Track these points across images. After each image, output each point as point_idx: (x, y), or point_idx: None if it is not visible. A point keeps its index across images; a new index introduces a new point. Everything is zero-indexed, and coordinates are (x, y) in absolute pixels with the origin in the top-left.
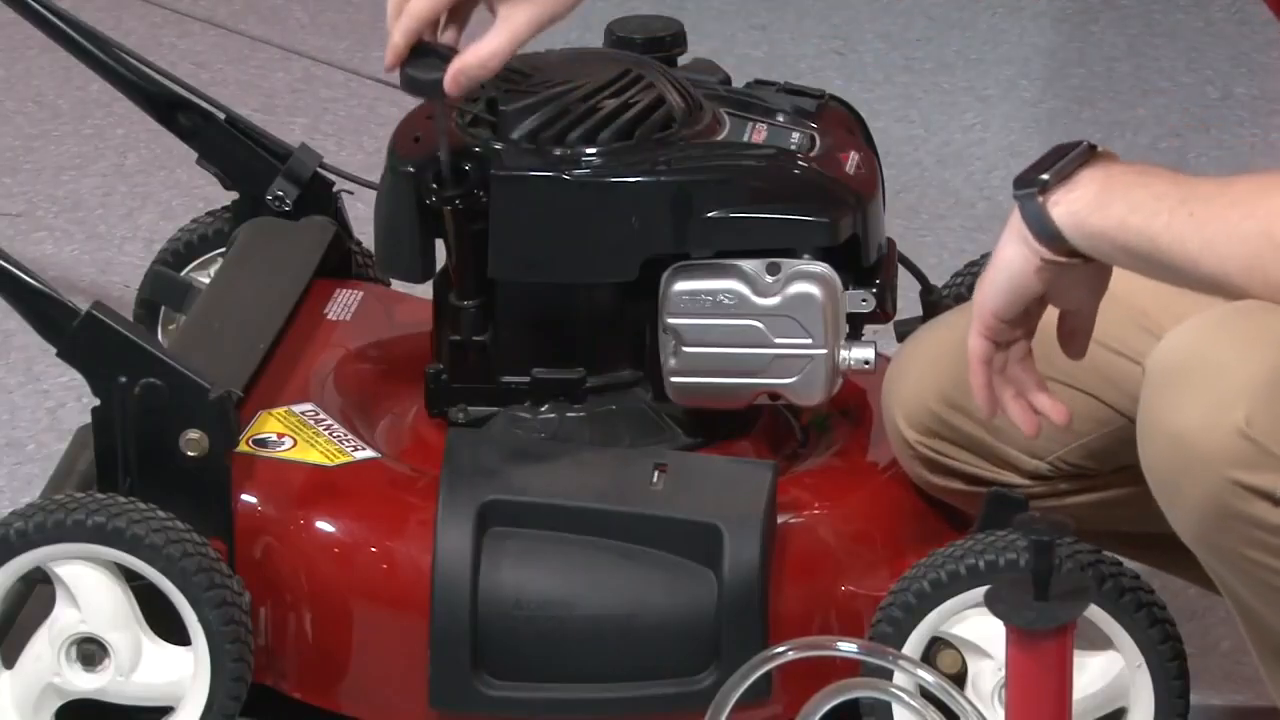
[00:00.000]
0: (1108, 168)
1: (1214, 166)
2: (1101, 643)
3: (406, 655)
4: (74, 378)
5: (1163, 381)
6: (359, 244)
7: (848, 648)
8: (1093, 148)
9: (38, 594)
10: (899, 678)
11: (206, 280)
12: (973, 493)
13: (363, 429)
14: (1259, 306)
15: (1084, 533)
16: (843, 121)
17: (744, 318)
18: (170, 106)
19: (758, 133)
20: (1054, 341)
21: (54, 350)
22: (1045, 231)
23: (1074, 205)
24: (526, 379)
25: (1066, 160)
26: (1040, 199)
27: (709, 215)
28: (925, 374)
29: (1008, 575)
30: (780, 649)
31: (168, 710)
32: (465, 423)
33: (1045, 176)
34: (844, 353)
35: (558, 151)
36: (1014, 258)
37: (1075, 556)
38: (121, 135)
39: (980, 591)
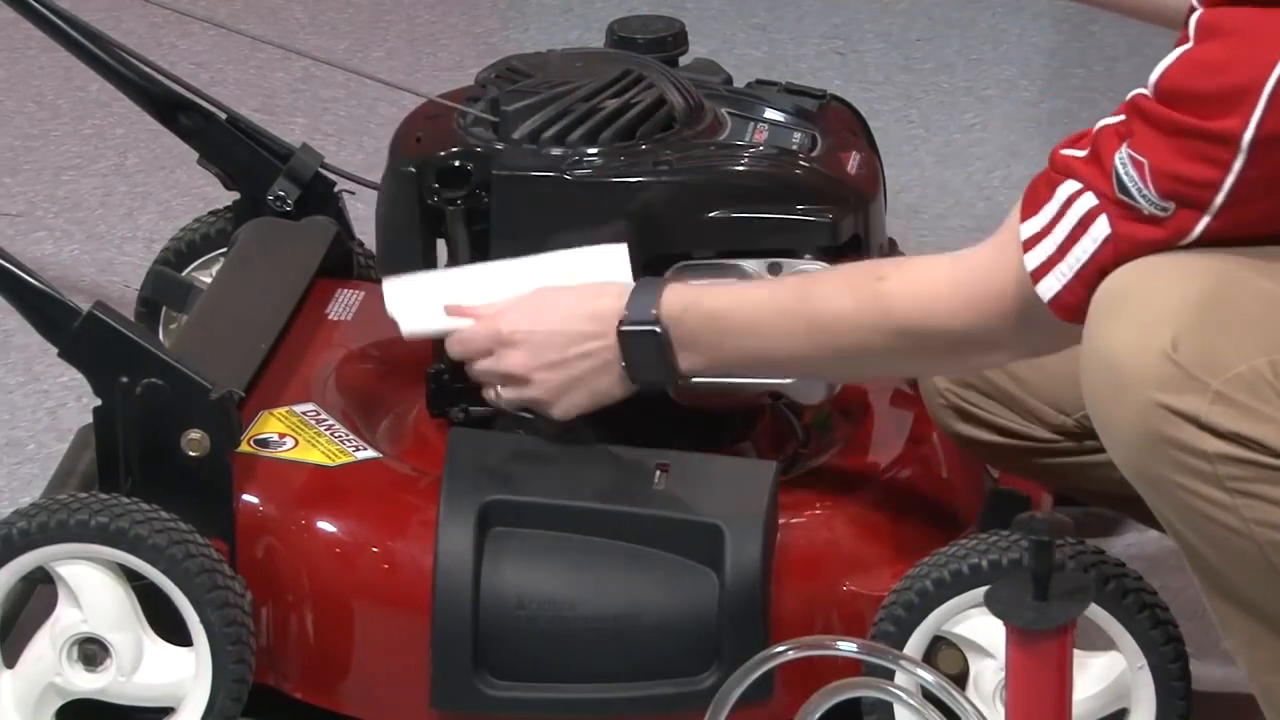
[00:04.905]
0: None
1: None
2: (1103, 643)
3: (408, 655)
4: (74, 378)
5: (1102, 309)
6: (360, 244)
7: (848, 647)
8: None
9: (39, 594)
10: (900, 677)
11: (208, 280)
12: (999, 444)
13: (364, 429)
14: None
15: (1110, 498)
16: (844, 121)
17: None
18: (171, 106)
19: (759, 133)
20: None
21: (55, 350)
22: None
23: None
24: None
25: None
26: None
27: (710, 215)
28: None
29: (1008, 575)
30: (781, 649)
31: (169, 711)
32: (466, 422)
33: None
34: None
35: (559, 151)
36: None
37: (1076, 557)
38: (121, 135)
39: (982, 591)
